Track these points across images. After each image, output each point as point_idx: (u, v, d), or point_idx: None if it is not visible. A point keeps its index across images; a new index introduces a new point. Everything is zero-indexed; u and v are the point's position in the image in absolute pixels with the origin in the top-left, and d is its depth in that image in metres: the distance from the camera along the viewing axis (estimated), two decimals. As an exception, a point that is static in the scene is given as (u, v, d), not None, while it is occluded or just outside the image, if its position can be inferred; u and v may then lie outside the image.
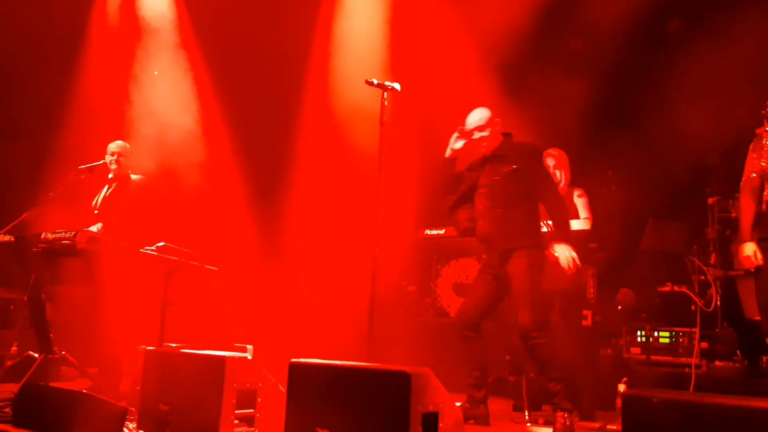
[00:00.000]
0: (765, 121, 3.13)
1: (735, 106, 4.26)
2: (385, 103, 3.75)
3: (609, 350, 4.86)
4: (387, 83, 3.77)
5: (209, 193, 3.80)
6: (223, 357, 2.97)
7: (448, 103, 4.17)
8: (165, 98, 5.87)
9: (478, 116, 3.86)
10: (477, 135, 3.80)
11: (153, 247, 4.00)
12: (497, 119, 3.85)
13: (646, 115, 5.22)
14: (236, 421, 2.95)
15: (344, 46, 6.03)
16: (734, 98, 4.47)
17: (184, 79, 6.10)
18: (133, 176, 4.86)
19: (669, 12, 5.68)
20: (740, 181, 4.74)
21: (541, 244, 3.69)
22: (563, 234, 3.63)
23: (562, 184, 4.67)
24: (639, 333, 4.62)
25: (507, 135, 3.88)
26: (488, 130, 3.82)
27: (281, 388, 3.03)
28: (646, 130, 5.20)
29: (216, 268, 4.03)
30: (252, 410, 3.02)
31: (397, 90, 3.81)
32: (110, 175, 4.91)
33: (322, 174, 4.06)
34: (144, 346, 3.37)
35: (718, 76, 4.85)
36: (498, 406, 4.53)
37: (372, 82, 3.77)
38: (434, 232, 5.97)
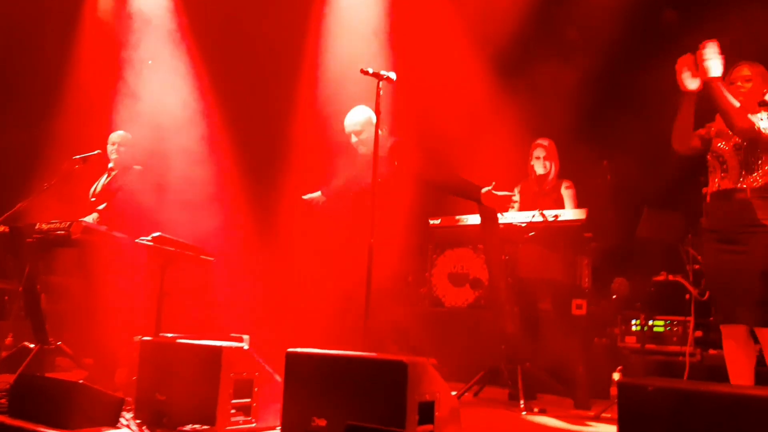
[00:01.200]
0: (762, 109, 3.14)
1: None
2: (381, 92, 3.74)
3: (604, 339, 4.89)
4: (382, 72, 3.75)
5: (204, 182, 3.79)
6: (220, 347, 2.97)
7: (443, 92, 4.15)
8: (159, 87, 5.84)
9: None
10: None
11: (149, 238, 3.99)
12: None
13: (641, 105, 5.22)
14: (233, 411, 2.96)
15: (339, 34, 6.01)
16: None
17: (178, 67, 6.07)
18: (135, 167, 4.85)
19: (663, 1, 5.67)
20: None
21: None
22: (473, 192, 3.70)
23: (551, 176, 4.66)
24: (633, 322, 4.65)
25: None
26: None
27: (278, 377, 3.04)
28: (642, 120, 5.19)
29: (212, 259, 4.03)
30: (249, 400, 3.03)
31: (392, 79, 3.79)
32: (110, 165, 4.91)
33: (317, 162, 4.06)
34: (140, 337, 3.37)
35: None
36: (493, 395, 4.56)
37: (367, 71, 3.75)
38: (430, 221, 5.98)
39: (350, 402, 2.56)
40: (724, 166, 3.24)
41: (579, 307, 4.78)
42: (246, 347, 3.09)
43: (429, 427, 2.58)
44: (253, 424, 3.02)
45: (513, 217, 4.48)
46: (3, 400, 3.24)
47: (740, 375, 3.20)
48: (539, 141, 4.66)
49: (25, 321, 4.53)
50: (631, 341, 4.64)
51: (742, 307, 3.11)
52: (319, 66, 5.91)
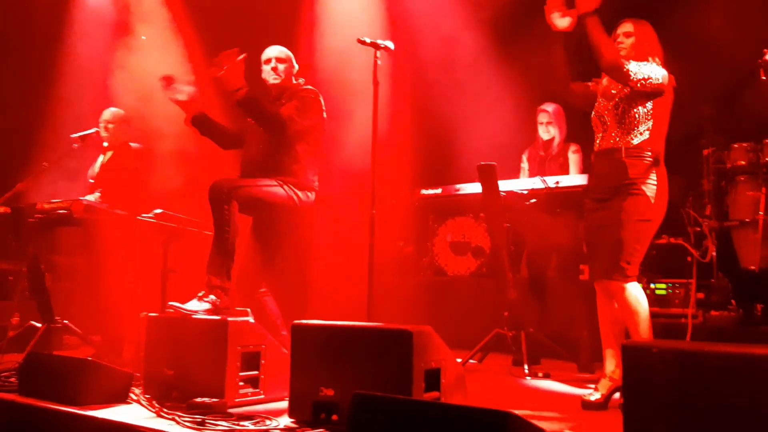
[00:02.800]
0: (761, 70, 3.12)
1: (730, 57, 4.23)
2: (378, 61, 3.71)
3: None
4: (379, 42, 3.73)
5: (205, 157, 3.80)
6: (226, 320, 3.00)
7: (441, 60, 4.12)
8: (153, 63, 5.79)
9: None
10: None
11: (150, 215, 4.00)
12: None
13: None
14: (241, 383, 2.99)
15: (336, 3, 5.94)
16: (729, 49, 4.43)
17: (171, 43, 6.01)
18: (132, 144, 4.83)
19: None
20: (734, 133, 4.74)
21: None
22: None
23: (556, 141, 4.66)
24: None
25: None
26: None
27: (284, 350, 3.06)
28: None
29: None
30: (256, 372, 3.06)
31: (390, 48, 3.77)
32: (105, 144, 4.88)
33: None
34: (146, 313, 3.39)
35: (712, 28, 4.79)
36: (497, 360, 4.60)
37: (364, 41, 3.73)
38: (430, 191, 5.98)
39: (357, 371, 2.59)
40: (605, 126, 3.23)
41: (583, 273, 4.81)
42: (252, 320, 3.12)
43: (435, 393, 2.62)
44: (262, 396, 3.05)
45: (515, 184, 4.48)
46: (12, 379, 3.27)
47: (608, 330, 3.26)
48: (543, 106, 4.67)
49: (30, 301, 4.55)
50: (633, 304, 4.66)
51: (604, 264, 3.16)
52: (317, 36, 5.87)
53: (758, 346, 2.08)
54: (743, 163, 4.64)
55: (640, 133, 3.15)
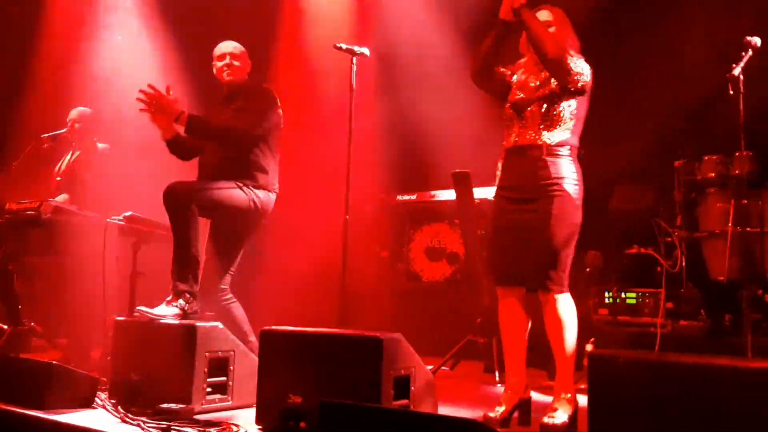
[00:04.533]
0: (729, 85, 3.12)
1: (701, 72, 4.30)
2: (354, 68, 3.71)
3: (577, 312, 4.94)
4: (356, 48, 3.73)
5: (175, 159, 3.75)
6: (194, 325, 2.97)
7: (418, 66, 4.14)
8: (128, 63, 5.74)
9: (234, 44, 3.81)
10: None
11: (120, 217, 3.95)
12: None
13: (613, 79, 5.24)
14: (209, 389, 2.97)
15: (314, 9, 5.93)
16: (700, 63, 4.50)
17: (147, 44, 5.96)
18: (99, 145, 4.77)
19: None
20: (706, 144, 4.81)
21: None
22: None
23: None
24: (606, 294, 4.71)
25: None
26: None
27: (253, 355, 3.04)
28: (614, 95, 5.22)
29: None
30: (225, 378, 3.04)
31: (366, 55, 3.77)
32: (73, 143, 4.81)
33: (290, 139, 4.03)
34: (114, 317, 3.35)
35: (683, 42, 4.87)
36: (469, 367, 4.62)
37: (341, 47, 3.73)
38: (406, 197, 5.99)
39: (326, 378, 2.58)
40: (523, 121, 3.05)
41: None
42: (221, 325, 3.09)
43: (405, 401, 2.62)
44: (229, 402, 3.03)
45: (490, 192, 4.50)
46: (-24, 382, 3.20)
47: (511, 340, 3.11)
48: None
49: (-3, 302, 4.48)
50: (604, 313, 4.70)
51: (524, 269, 2.98)
52: (295, 41, 5.86)
53: (724, 357, 2.12)
54: (713, 175, 4.70)
55: (562, 131, 3.00)
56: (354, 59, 3.72)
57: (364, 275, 4.98)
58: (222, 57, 3.76)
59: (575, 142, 3.05)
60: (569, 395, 2.99)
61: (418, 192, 5.91)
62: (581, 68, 2.99)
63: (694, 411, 2.01)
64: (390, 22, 5.76)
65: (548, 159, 2.96)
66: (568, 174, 2.97)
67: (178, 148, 3.76)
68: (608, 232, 4.92)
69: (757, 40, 3.12)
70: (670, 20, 5.04)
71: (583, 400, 3.18)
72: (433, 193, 5.79)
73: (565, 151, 3.00)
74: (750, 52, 3.11)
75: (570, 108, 3.02)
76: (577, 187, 2.99)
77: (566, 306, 2.99)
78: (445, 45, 5.36)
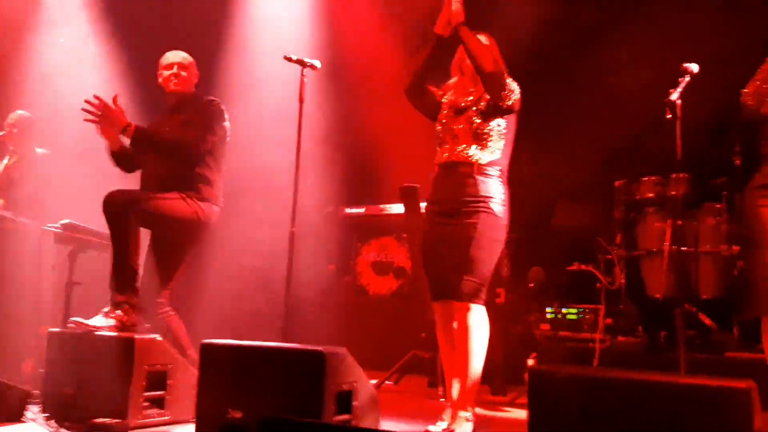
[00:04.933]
0: (667, 109, 3.22)
1: (640, 95, 4.44)
2: (305, 79, 3.70)
3: (520, 326, 5.03)
4: (306, 60, 3.72)
5: (116, 168, 3.66)
6: (132, 337, 2.89)
7: (367, 79, 4.15)
8: (71, 67, 5.59)
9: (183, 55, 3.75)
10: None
11: (57, 224, 3.83)
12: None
13: (557, 101, 5.38)
14: (146, 404, 2.89)
15: (264, 20, 5.90)
16: (640, 87, 4.65)
17: (90, 49, 5.82)
18: (37, 150, 4.61)
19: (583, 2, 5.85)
20: (645, 165, 4.97)
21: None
22: None
23: None
24: (548, 310, 4.80)
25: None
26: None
27: (193, 369, 2.98)
28: (557, 116, 5.36)
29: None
30: (163, 392, 2.96)
31: (316, 67, 3.76)
32: (11, 147, 4.65)
33: (238, 150, 3.98)
34: (48, 327, 3.23)
35: (625, 67, 5.04)
36: (414, 382, 4.62)
37: (291, 58, 3.71)
38: (354, 210, 5.99)
39: (267, 393, 2.54)
40: (455, 139, 3.10)
41: (498, 296, 4.90)
42: (159, 338, 3.02)
43: (346, 416, 2.59)
44: (167, 417, 2.95)
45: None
46: None
47: (451, 359, 3.10)
48: None
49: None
50: (545, 328, 4.79)
51: (451, 281, 2.99)
52: (244, 51, 5.80)
53: (658, 373, 2.17)
54: (651, 195, 4.86)
55: (492, 152, 3.06)
56: (304, 70, 3.70)
57: (310, 288, 4.94)
58: (169, 66, 3.68)
59: (505, 164, 3.12)
60: (468, 413, 2.97)
61: (366, 205, 5.92)
62: (513, 87, 3.08)
63: (630, 426, 2.05)
64: (341, 34, 5.78)
65: (478, 177, 3.03)
66: (496, 194, 3.03)
67: (123, 160, 3.67)
68: (550, 249, 5.02)
69: (694, 67, 3.24)
70: (612, 46, 5.21)
71: (524, 414, 3.23)
72: (381, 206, 5.81)
73: (494, 171, 3.07)
74: (687, 78, 3.22)
75: (499, 128, 3.09)
76: (503, 208, 3.06)
77: (478, 318, 2.99)
78: (395, 58, 5.40)
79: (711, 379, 2.00)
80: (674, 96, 3.18)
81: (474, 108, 3.12)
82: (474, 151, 3.05)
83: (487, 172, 3.04)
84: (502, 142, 3.10)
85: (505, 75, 3.07)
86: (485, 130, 3.07)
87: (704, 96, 3.53)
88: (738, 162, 4.58)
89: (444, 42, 3.12)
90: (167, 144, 3.50)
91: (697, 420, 1.95)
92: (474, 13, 3.06)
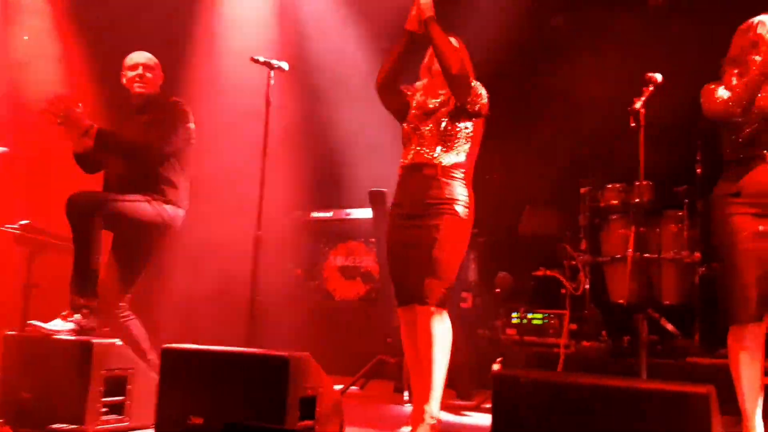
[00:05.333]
0: (631, 117, 3.26)
1: (607, 102, 4.50)
2: (272, 81, 3.67)
3: (486, 331, 5.05)
4: (274, 62, 3.69)
5: (78, 168, 3.59)
6: (90, 342, 2.83)
7: (335, 83, 4.14)
8: (34, 66, 5.47)
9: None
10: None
11: (15, 225, 3.74)
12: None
13: (526, 107, 5.44)
14: (104, 409, 2.83)
15: (231, 20, 5.85)
16: (605, 96, 4.71)
17: (54, 46, 5.70)
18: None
19: (554, 7, 5.92)
20: (610, 172, 5.04)
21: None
22: None
23: None
24: (514, 315, 4.82)
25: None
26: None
27: (154, 374, 2.93)
28: (526, 123, 5.41)
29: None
30: (122, 398, 2.90)
31: (284, 69, 3.74)
32: (-31, 147, 4.53)
33: (203, 153, 3.93)
34: (4, 331, 3.15)
35: (591, 76, 5.11)
36: (379, 387, 4.61)
37: (258, 60, 3.68)
38: (321, 214, 5.95)
39: (229, 399, 2.51)
40: (420, 140, 3.09)
41: (465, 300, 4.92)
42: (120, 342, 2.96)
43: (309, 422, 2.57)
44: (126, 423, 2.90)
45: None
46: None
47: (415, 360, 3.06)
48: None
49: None
50: (511, 333, 4.81)
51: (415, 286, 2.96)
52: (211, 51, 5.74)
53: (619, 378, 2.20)
54: (616, 202, 4.92)
55: (457, 154, 3.05)
56: (271, 73, 3.68)
57: (276, 293, 4.90)
58: (134, 67, 3.62)
59: (469, 166, 3.11)
60: (434, 421, 2.94)
61: (334, 209, 5.89)
62: (480, 91, 3.08)
63: (592, 430, 2.06)
64: (308, 36, 5.75)
65: (442, 179, 3.01)
66: (460, 197, 3.02)
67: (87, 161, 3.60)
68: (517, 255, 5.06)
69: (658, 76, 3.29)
70: (579, 54, 5.28)
71: (489, 418, 3.24)
72: (348, 211, 5.78)
73: (458, 173, 3.05)
74: (651, 88, 3.27)
75: (467, 130, 3.09)
76: (467, 210, 3.04)
77: (441, 323, 2.96)
78: (364, 61, 5.40)
79: (671, 385, 2.02)
80: (638, 105, 3.23)
81: (444, 110, 3.11)
82: (439, 153, 3.04)
83: (452, 174, 3.03)
84: (468, 145, 3.10)
85: (471, 78, 3.07)
86: (452, 133, 3.06)
87: (667, 105, 3.59)
88: (699, 170, 4.68)
89: (416, 38, 3.10)
90: (130, 146, 3.44)
91: (658, 424, 1.97)
92: (443, 17, 3.06)
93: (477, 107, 3.06)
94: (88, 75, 5.53)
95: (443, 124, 3.07)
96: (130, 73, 3.61)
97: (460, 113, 3.08)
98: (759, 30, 2.98)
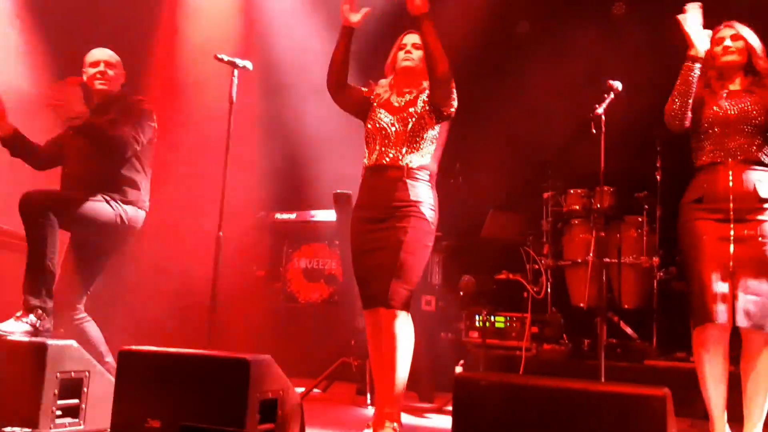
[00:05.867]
0: (592, 124, 3.30)
1: (570, 109, 4.57)
2: (235, 80, 3.63)
3: (450, 334, 5.07)
4: (238, 61, 3.65)
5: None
6: (45, 343, 2.75)
7: (299, 84, 4.11)
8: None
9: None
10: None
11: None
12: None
13: (490, 113, 5.48)
14: (59, 413, 2.75)
15: (195, 18, 5.77)
16: (569, 101, 4.79)
17: (13, 39, 5.55)
18: None
19: (518, 14, 5.99)
20: (571, 179, 5.11)
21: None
22: None
23: None
24: (477, 318, 4.86)
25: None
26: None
27: (110, 377, 2.87)
28: (490, 128, 5.46)
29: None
30: (77, 401, 2.83)
31: (248, 68, 3.70)
32: None
33: (163, 150, 3.86)
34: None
35: (554, 83, 5.18)
36: (342, 389, 4.59)
37: (222, 59, 3.63)
38: (285, 216, 5.91)
39: (188, 402, 2.46)
40: (386, 141, 3.05)
41: (428, 303, 4.93)
42: (76, 344, 2.89)
43: (270, 425, 2.54)
44: (81, 426, 2.82)
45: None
46: None
47: (378, 364, 3.03)
48: None
49: None
50: (474, 336, 4.84)
51: (379, 289, 2.93)
52: (174, 49, 5.66)
53: (577, 381, 2.22)
54: (577, 207, 5.00)
55: (422, 155, 3.02)
56: (235, 72, 3.63)
57: (238, 294, 4.85)
58: (95, 64, 3.54)
59: (434, 168, 3.10)
60: (395, 424, 2.93)
61: (298, 211, 5.85)
62: (455, 95, 3.05)
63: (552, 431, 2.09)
64: (273, 36, 5.70)
65: (408, 181, 2.99)
66: (425, 198, 3.01)
67: (20, 148, 3.50)
68: (480, 258, 5.10)
69: (618, 84, 3.35)
70: (542, 61, 5.35)
71: (448, 420, 3.25)
72: (312, 212, 5.76)
73: (424, 175, 3.03)
74: (612, 95, 3.33)
75: (433, 132, 3.07)
76: (433, 212, 3.03)
77: (403, 325, 2.95)
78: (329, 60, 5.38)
79: (629, 387, 2.05)
80: (599, 111, 3.28)
81: (411, 109, 3.07)
82: (405, 154, 3.01)
83: (417, 176, 3.01)
84: (434, 147, 3.08)
85: (453, 80, 3.03)
86: (420, 134, 3.03)
87: (628, 112, 3.66)
88: (659, 176, 4.79)
89: (352, 32, 3.10)
90: (108, 139, 3.34)
91: (616, 426, 2.00)
92: (400, 19, 3.06)
93: (452, 110, 3.05)
94: (49, 70, 5.39)
95: (410, 125, 3.04)
96: (92, 70, 3.54)
97: (430, 115, 3.05)
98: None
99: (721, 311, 2.84)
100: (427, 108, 3.06)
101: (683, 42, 3.01)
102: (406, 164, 3.00)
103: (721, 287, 2.87)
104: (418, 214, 2.97)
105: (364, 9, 3.13)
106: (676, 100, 3.03)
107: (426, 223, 2.99)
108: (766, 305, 2.84)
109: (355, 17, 3.12)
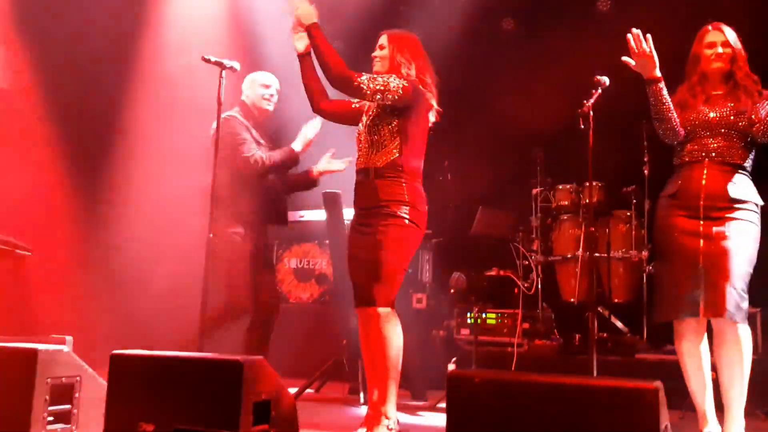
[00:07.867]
0: (581, 119, 3.31)
1: (557, 104, 4.58)
2: (223, 81, 3.61)
3: (441, 331, 5.08)
4: (225, 61, 3.63)
5: (22, 169, 3.46)
6: (35, 349, 2.73)
7: (286, 83, 4.09)
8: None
9: None
10: None
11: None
12: None
13: (479, 110, 5.49)
14: (50, 418, 2.73)
15: (181, 18, 5.74)
16: (557, 97, 4.80)
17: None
18: None
19: (506, 10, 6.00)
20: (560, 175, 5.13)
21: None
22: None
23: None
24: (468, 315, 4.87)
25: None
26: None
27: (102, 381, 2.85)
28: (479, 125, 5.47)
29: (29, 253, 3.70)
30: (69, 406, 2.81)
31: (236, 69, 3.68)
32: None
33: (152, 153, 3.84)
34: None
35: (542, 79, 5.20)
36: (335, 389, 4.58)
37: (209, 59, 3.62)
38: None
39: (182, 405, 2.45)
40: (359, 145, 3.15)
41: (419, 301, 4.94)
42: (67, 349, 2.87)
43: (264, 427, 2.53)
44: (73, 432, 2.80)
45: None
46: None
47: (369, 362, 3.08)
48: None
49: None
50: (466, 333, 4.86)
51: (362, 288, 3.02)
52: (160, 50, 5.62)
53: (572, 375, 2.23)
54: (566, 203, 5.03)
55: (387, 153, 3.04)
56: (223, 72, 3.62)
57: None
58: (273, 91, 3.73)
59: (412, 162, 3.08)
60: (389, 422, 2.96)
61: (288, 211, 5.84)
62: (382, 83, 3.00)
63: (545, 427, 2.09)
64: (261, 35, 5.68)
65: (377, 182, 3.03)
66: (397, 195, 3.01)
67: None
68: (471, 255, 5.11)
69: (605, 79, 3.36)
70: (531, 58, 5.36)
71: (442, 418, 3.25)
72: (302, 213, 5.74)
73: (394, 172, 3.04)
74: (599, 90, 3.34)
75: (390, 126, 3.06)
76: (407, 208, 3.02)
77: (388, 324, 2.99)
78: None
79: (621, 381, 2.07)
80: (587, 106, 3.29)
81: (371, 111, 3.16)
82: (371, 156, 3.08)
83: (386, 175, 3.04)
84: (398, 141, 3.05)
85: (351, 77, 2.99)
86: (378, 132, 3.08)
87: (615, 107, 3.67)
88: (646, 171, 4.81)
89: (307, 57, 3.17)
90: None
91: (608, 419, 2.01)
92: (396, 16, 3.07)
93: (390, 102, 3.02)
94: (34, 72, 5.34)
95: (369, 128, 3.11)
96: None
97: (380, 111, 3.09)
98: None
99: (693, 305, 2.91)
100: (378, 106, 3.10)
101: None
102: (374, 166, 3.06)
103: (692, 281, 2.93)
104: (388, 213, 3.00)
105: (304, 41, 3.15)
106: (658, 125, 3.10)
107: (399, 219, 3.00)
108: (735, 297, 2.88)
109: (301, 44, 3.16)
